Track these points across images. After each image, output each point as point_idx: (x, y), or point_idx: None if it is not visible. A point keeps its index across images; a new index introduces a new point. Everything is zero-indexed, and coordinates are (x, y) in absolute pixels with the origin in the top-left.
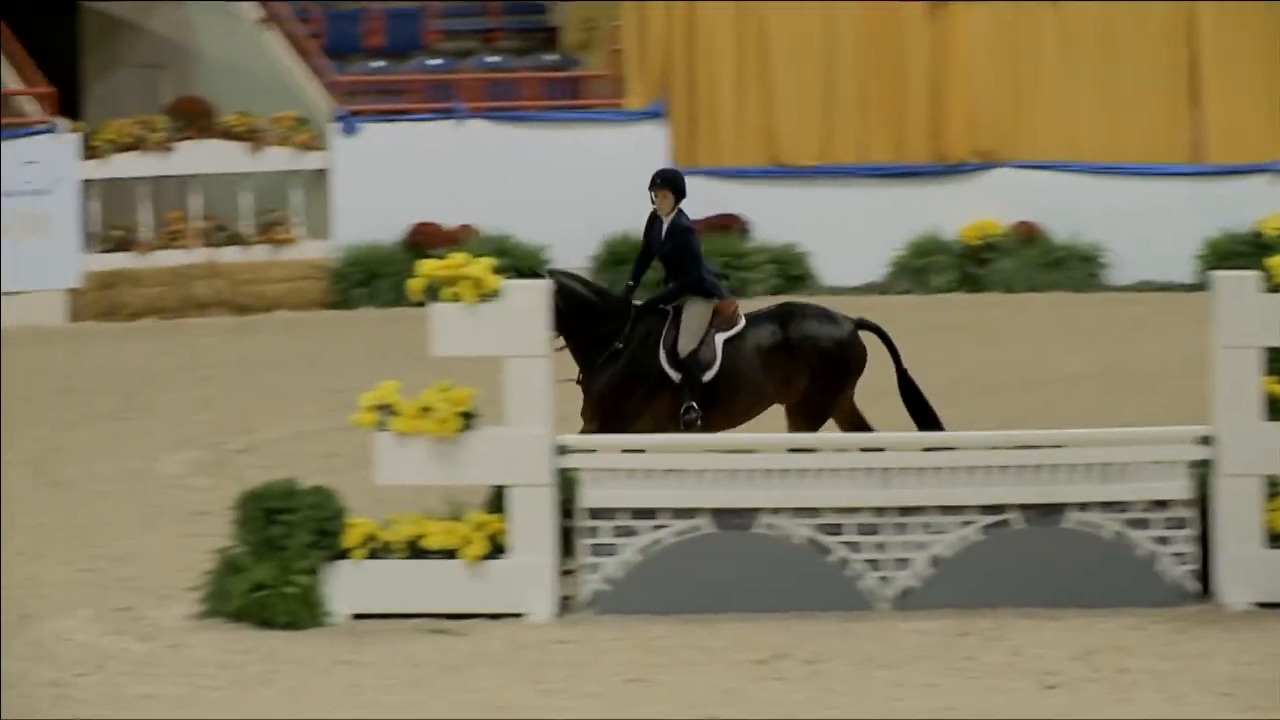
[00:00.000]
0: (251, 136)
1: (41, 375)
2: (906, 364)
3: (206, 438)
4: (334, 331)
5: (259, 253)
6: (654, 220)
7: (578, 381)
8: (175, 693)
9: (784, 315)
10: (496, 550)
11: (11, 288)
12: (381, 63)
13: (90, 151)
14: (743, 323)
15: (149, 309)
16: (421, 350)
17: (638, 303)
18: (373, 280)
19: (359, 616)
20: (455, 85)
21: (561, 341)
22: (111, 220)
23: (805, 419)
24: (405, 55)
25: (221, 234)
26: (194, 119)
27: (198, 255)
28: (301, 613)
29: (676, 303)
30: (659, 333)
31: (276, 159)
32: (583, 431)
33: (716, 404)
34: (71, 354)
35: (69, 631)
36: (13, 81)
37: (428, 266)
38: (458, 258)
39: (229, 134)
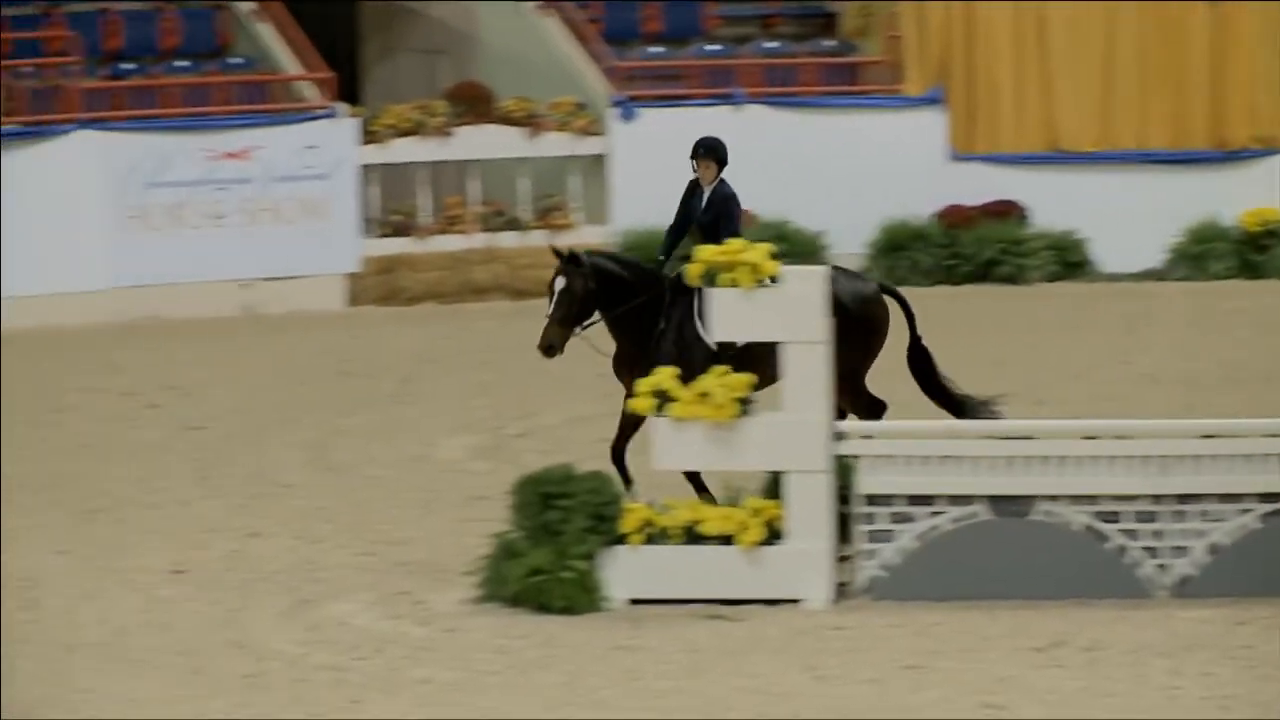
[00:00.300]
0: (530, 122)
1: (320, 359)
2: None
3: (485, 423)
4: None
5: (537, 238)
6: (694, 189)
7: (620, 360)
8: (452, 677)
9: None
10: (773, 536)
11: (291, 272)
12: (660, 49)
13: (369, 136)
14: None
15: (427, 294)
16: None
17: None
18: None
19: (635, 602)
20: (734, 71)
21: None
22: (390, 205)
23: (838, 382)
24: (684, 41)
25: (499, 219)
26: (473, 104)
27: (476, 240)
28: (578, 598)
29: None
30: (696, 304)
31: (555, 144)
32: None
33: (751, 369)
34: (350, 338)
35: (348, 615)
36: (293, 67)
37: (706, 252)
38: (736, 243)
39: (507, 119)
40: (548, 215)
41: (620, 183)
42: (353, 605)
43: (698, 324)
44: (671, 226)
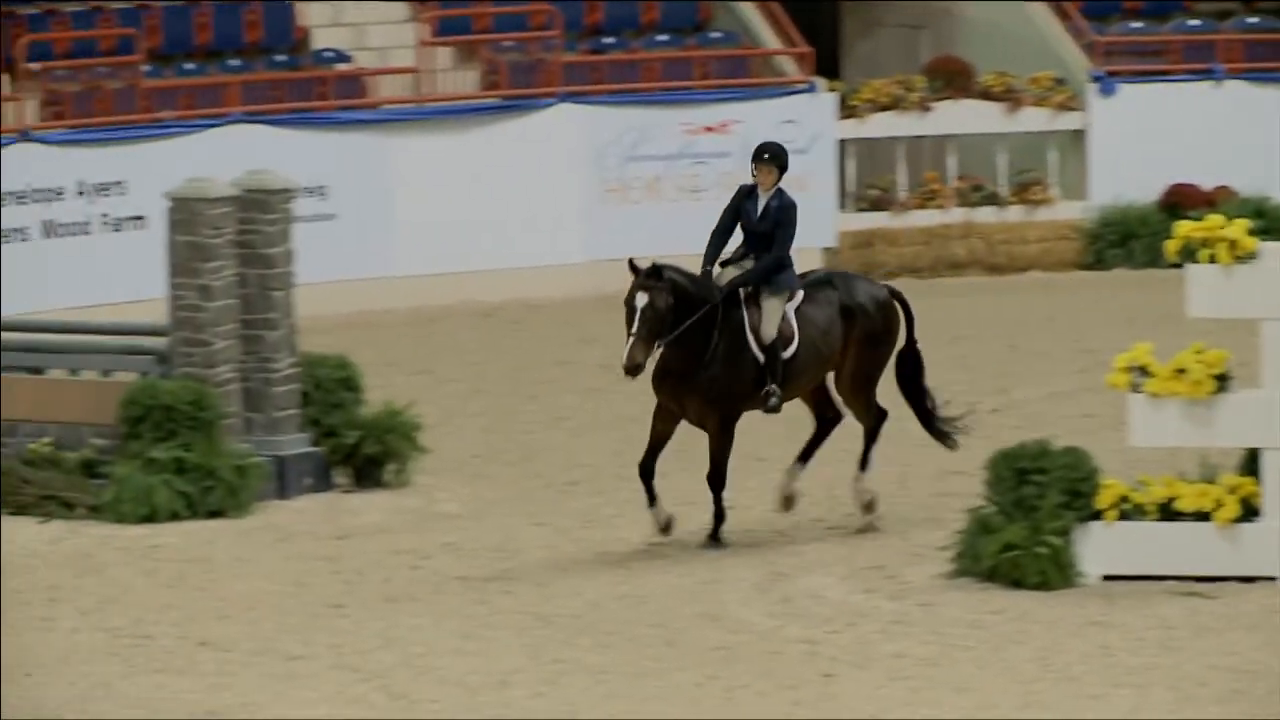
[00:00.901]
0: (1009, 97)
1: None
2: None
3: (961, 397)
4: (1088, 292)
5: (1014, 213)
6: (748, 194)
7: (665, 375)
8: (925, 652)
9: (832, 280)
10: (1249, 513)
11: None
12: (1140, 24)
13: (847, 111)
14: (801, 292)
15: (904, 268)
16: (1175, 312)
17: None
18: (1127, 241)
19: (1109, 578)
20: (1214, 46)
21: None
22: (867, 180)
23: (856, 386)
24: (1164, 16)
25: (977, 194)
26: (952, 79)
27: (953, 215)
28: (1052, 573)
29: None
30: (748, 318)
31: (1033, 119)
32: (698, 422)
33: (790, 378)
34: None
35: (821, 589)
36: (773, 42)
37: (1184, 228)
38: (1214, 219)
39: (986, 94)
40: (1025, 191)
41: (1098, 158)
42: (826, 579)
43: (750, 338)
44: (717, 231)
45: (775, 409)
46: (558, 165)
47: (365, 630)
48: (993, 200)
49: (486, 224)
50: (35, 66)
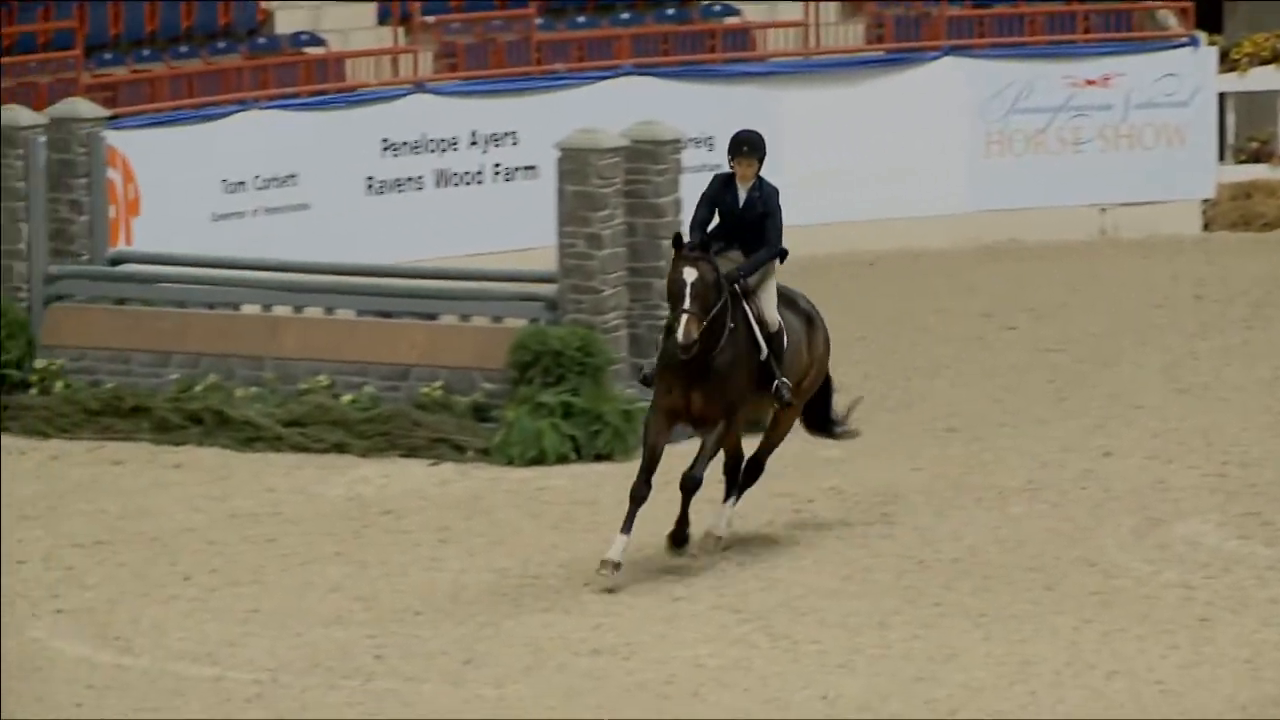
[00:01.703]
0: None
1: (1175, 283)
2: None
3: None
4: None
5: None
6: (726, 185)
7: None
8: None
9: (781, 290)
10: None
11: (1149, 197)
12: None
13: (1228, 65)
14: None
15: None
16: None
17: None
18: None
19: None
20: None
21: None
22: (1247, 132)
23: (800, 398)
24: None
25: None
26: None
27: None
28: None
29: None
30: (752, 311)
31: None
32: (703, 415)
33: (785, 372)
34: (1204, 263)
35: (1197, 535)
36: None
37: None
38: None
39: None
40: None
41: None
42: (1202, 525)
43: (756, 329)
44: (697, 223)
45: (787, 401)
46: (941, 118)
47: (747, 572)
48: None
49: (870, 175)
50: (430, 20)
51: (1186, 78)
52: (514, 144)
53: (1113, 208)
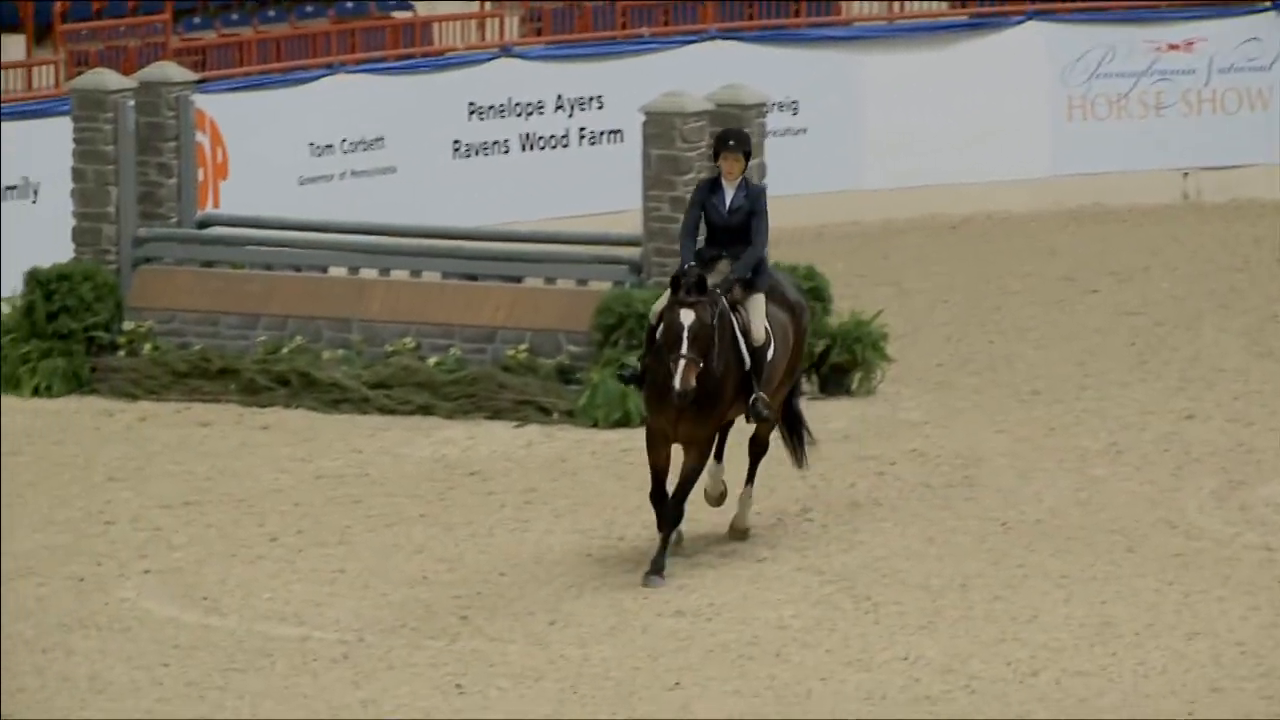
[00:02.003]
0: None
1: (1258, 247)
2: None
3: None
4: None
5: None
6: (713, 187)
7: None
8: None
9: (772, 280)
10: None
11: (1232, 161)
12: None
13: None
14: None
15: None
16: None
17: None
18: None
19: None
20: None
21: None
22: None
23: (781, 385)
24: None
25: None
26: None
27: None
28: None
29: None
30: (734, 317)
31: None
32: (689, 438)
33: (767, 383)
34: None
35: (1279, 497)
36: None
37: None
38: None
39: None
40: None
41: None
42: None
43: (741, 342)
44: (686, 229)
45: (766, 418)
46: (1024, 82)
47: (830, 534)
48: None
49: (953, 139)
50: None
51: (1269, 42)
52: (599, 108)
53: (1195, 172)
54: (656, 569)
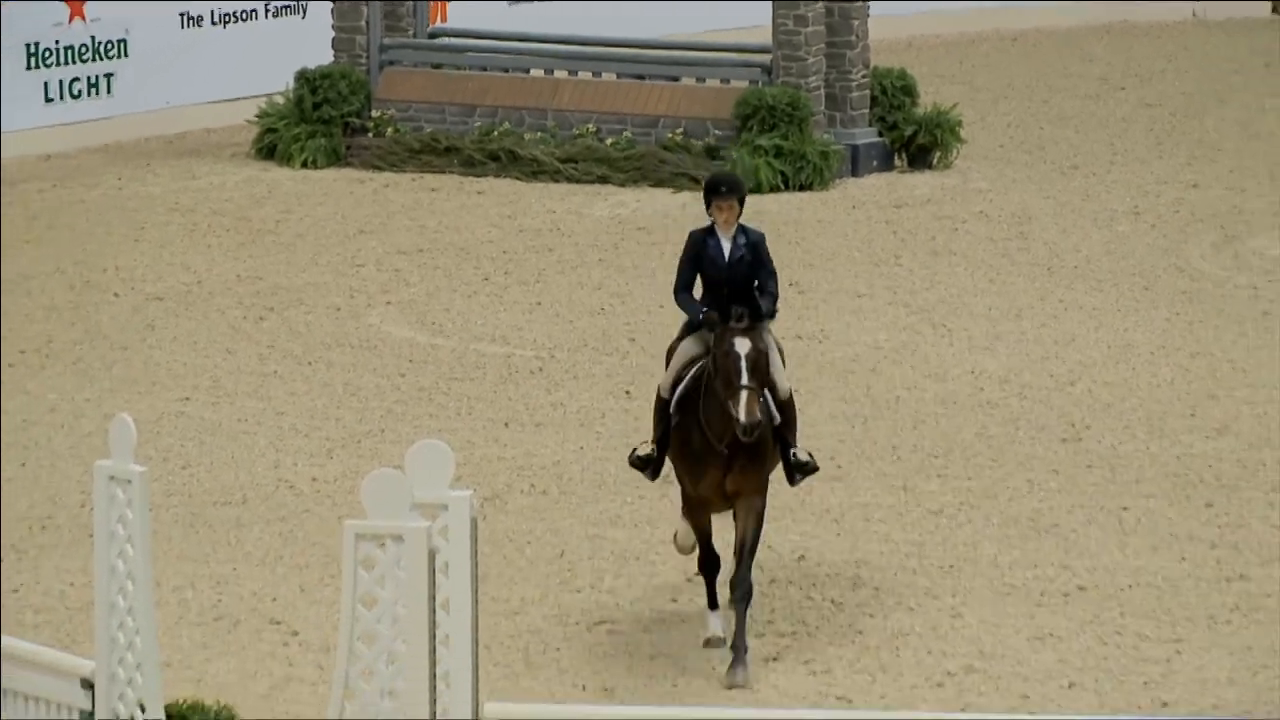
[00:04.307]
0: None
1: (1252, 56)
2: None
3: None
4: None
5: None
6: (706, 238)
7: (695, 441)
8: None
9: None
10: None
11: None
12: None
13: None
14: None
15: None
16: None
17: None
18: None
19: None
20: None
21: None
22: None
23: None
24: None
25: None
26: None
27: None
28: None
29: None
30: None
31: None
32: (739, 490)
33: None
34: (1275, 41)
35: (1264, 248)
36: None
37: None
38: None
39: None
40: None
41: None
42: (1268, 239)
43: (769, 398)
44: (682, 288)
45: (813, 468)
46: None
47: (915, 276)
48: None
49: None
50: None
51: None
52: None
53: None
54: (741, 653)
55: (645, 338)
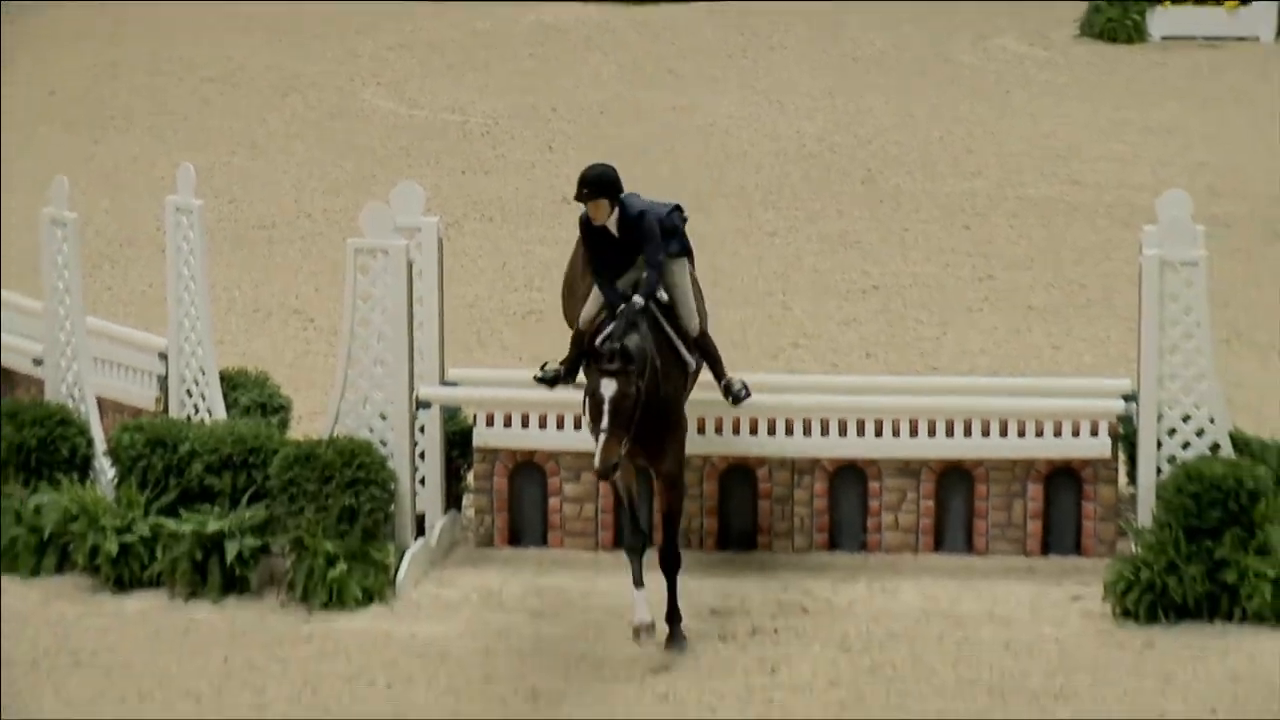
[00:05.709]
0: None
1: None
2: None
3: None
4: None
5: None
6: (600, 230)
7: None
8: None
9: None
10: None
11: None
12: None
13: None
14: None
15: None
16: None
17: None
18: None
19: None
20: None
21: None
22: None
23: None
24: None
25: None
26: None
27: None
28: None
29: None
30: (671, 329)
31: None
32: (653, 458)
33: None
34: None
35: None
36: None
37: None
38: None
39: None
40: None
41: None
42: None
43: (680, 347)
44: (598, 274)
45: (746, 394)
46: None
47: (757, 65)
48: None
49: None
50: None
51: None
52: None
53: None
54: (676, 623)
55: (564, 110)
